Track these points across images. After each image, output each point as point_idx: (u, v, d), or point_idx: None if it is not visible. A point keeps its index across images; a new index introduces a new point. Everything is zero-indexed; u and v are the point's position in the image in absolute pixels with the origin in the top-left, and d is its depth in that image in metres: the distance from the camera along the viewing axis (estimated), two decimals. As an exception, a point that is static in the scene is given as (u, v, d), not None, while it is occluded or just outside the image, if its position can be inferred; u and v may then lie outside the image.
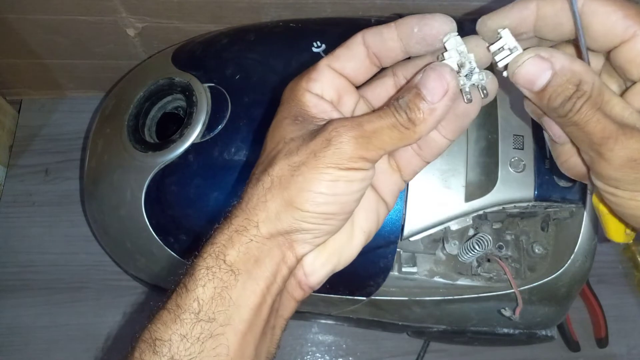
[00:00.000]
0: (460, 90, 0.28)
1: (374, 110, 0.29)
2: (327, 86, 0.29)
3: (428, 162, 0.32)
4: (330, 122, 0.27)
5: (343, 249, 0.31)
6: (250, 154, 0.49)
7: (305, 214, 0.27)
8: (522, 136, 0.49)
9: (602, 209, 0.31)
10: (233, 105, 0.50)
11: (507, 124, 0.49)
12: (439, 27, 0.27)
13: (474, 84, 0.28)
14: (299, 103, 0.29)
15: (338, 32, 0.55)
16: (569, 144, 0.29)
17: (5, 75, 0.79)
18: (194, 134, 0.50)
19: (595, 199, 0.31)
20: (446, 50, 0.28)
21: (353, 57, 0.29)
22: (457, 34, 0.27)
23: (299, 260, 0.29)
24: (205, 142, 0.50)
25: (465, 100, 0.29)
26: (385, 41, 0.28)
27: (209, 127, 0.50)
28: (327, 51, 0.52)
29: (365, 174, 0.27)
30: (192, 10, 0.62)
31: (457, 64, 0.28)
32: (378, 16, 0.58)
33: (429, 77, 0.27)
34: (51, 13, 0.63)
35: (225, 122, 0.50)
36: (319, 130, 0.27)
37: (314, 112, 0.29)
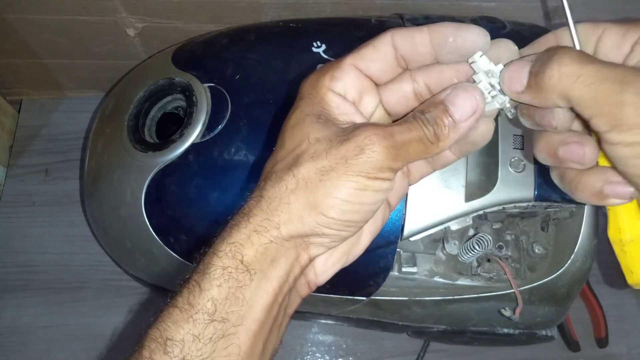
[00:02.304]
0: (502, 109, 0.29)
1: (396, 120, 0.29)
2: (350, 86, 0.29)
3: (435, 170, 0.33)
4: (361, 127, 0.27)
5: (351, 249, 0.31)
6: (250, 154, 0.49)
7: (329, 220, 0.27)
8: (522, 136, 0.49)
9: (627, 248, 0.29)
10: (233, 105, 0.50)
11: (507, 124, 0.49)
12: (474, 40, 0.27)
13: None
14: (322, 102, 0.29)
15: (338, 32, 0.55)
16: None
17: (5, 75, 0.79)
18: (194, 134, 0.50)
19: (612, 234, 0.30)
20: (475, 73, 0.28)
21: (380, 58, 0.29)
22: (482, 53, 0.27)
23: (311, 260, 0.29)
24: (205, 142, 0.50)
25: (510, 116, 0.29)
26: (416, 45, 0.28)
27: (209, 127, 0.50)
28: (327, 51, 0.52)
29: (390, 184, 0.27)
30: (192, 10, 0.62)
31: (490, 85, 0.28)
32: (378, 16, 0.58)
33: (459, 96, 0.27)
34: (51, 13, 0.64)
35: (225, 122, 0.50)
36: (349, 134, 0.27)
37: (336, 112, 0.29)
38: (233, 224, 0.28)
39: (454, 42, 0.27)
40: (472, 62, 0.28)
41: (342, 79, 0.29)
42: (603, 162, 0.28)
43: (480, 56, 0.27)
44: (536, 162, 0.48)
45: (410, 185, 0.33)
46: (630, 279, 0.30)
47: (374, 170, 0.26)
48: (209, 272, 0.27)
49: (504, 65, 0.28)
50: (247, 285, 0.27)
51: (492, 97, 0.28)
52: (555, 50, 0.26)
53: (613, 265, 0.30)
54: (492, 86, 0.28)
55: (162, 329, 0.26)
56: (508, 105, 0.28)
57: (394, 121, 0.32)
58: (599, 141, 0.26)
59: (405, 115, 0.29)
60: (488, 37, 0.27)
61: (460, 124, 0.27)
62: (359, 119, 0.29)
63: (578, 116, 0.27)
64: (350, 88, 0.29)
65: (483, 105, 0.27)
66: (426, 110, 0.27)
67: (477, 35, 0.27)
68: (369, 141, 0.26)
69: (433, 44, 0.28)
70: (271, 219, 0.27)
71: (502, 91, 0.28)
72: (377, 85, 0.30)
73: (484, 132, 0.29)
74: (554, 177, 0.30)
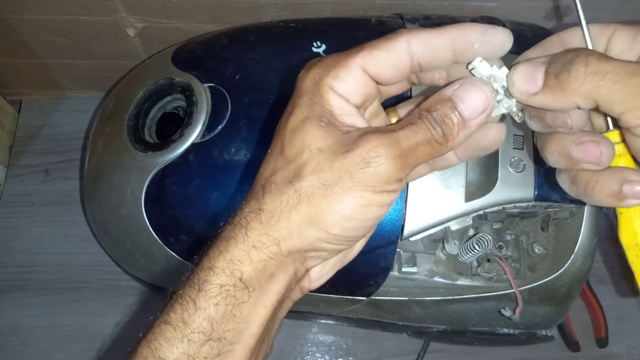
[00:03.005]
0: (509, 114, 0.28)
1: (401, 120, 0.27)
2: (354, 91, 0.27)
3: (434, 171, 0.31)
4: (365, 137, 0.25)
5: (346, 255, 0.31)
6: (250, 154, 0.49)
7: (331, 237, 0.26)
8: (522, 136, 0.49)
9: None
10: (233, 105, 0.50)
11: (507, 124, 0.49)
12: (502, 45, 0.25)
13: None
14: (322, 101, 0.27)
15: (338, 32, 0.55)
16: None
17: (5, 75, 0.79)
18: (194, 134, 0.50)
19: (626, 238, 0.27)
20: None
21: (393, 66, 0.26)
22: (481, 59, 0.26)
23: (307, 271, 0.28)
24: (205, 142, 0.50)
25: (518, 120, 0.28)
26: (436, 52, 0.26)
27: (209, 127, 0.50)
28: (327, 51, 0.52)
29: (395, 195, 0.26)
30: (192, 10, 0.62)
31: (494, 90, 0.27)
32: (378, 16, 0.58)
33: (469, 92, 0.25)
34: (51, 13, 0.64)
35: (225, 122, 0.50)
36: (353, 145, 0.25)
37: (337, 113, 0.27)
38: (230, 236, 0.26)
39: (481, 47, 0.25)
40: (472, 69, 0.27)
41: (347, 81, 0.26)
42: (615, 163, 0.27)
43: (480, 61, 0.26)
44: (536, 162, 0.48)
45: (406, 182, 0.31)
46: None
47: (381, 183, 0.25)
48: (205, 289, 0.25)
49: (511, 67, 0.27)
50: (244, 302, 0.26)
51: (498, 101, 0.27)
52: (577, 52, 0.25)
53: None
54: (497, 91, 0.27)
55: (154, 347, 0.25)
56: (515, 109, 0.27)
57: (387, 113, 0.30)
58: (623, 138, 0.26)
59: (408, 114, 0.27)
60: (512, 38, 0.26)
61: (470, 121, 0.25)
62: (360, 123, 0.27)
63: (600, 114, 0.26)
64: (354, 92, 0.27)
65: (494, 102, 0.26)
66: (433, 108, 0.25)
67: (503, 40, 0.25)
68: (375, 153, 0.25)
69: (456, 49, 0.26)
70: (270, 234, 0.26)
71: (507, 95, 0.27)
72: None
73: (495, 137, 0.28)
74: (563, 180, 0.28)
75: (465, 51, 0.26)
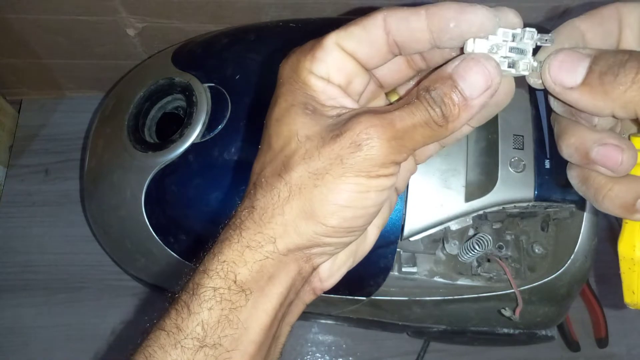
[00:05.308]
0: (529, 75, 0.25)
1: (398, 100, 0.25)
2: (334, 69, 0.25)
3: (444, 147, 0.29)
4: (354, 119, 0.23)
5: (358, 248, 0.29)
6: (250, 154, 0.49)
7: (329, 229, 0.24)
8: (522, 136, 0.49)
9: (636, 268, 0.26)
10: (233, 105, 0.50)
11: (507, 124, 0.49)
12: (481, 24, 0.23)
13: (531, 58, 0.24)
14: (304, 87, 0.25)
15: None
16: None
17: (5, 75, 0.79)
18: (194, 134, 0.50)
19: (623, 250, 0.26)
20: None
21: (369, 43, 0.24)
22: (474, 40, 0.24)
23: (314, 269, 0.27)
24: (205, 142, 0.50)
25: (538, 87, 0.25)
26: (412, 31, 0.24)
27: (209, 127, 0.50)
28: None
29: (395, 178, 0.24)
30: (192, 10, 0.62)
31: (503, 57, 0.24)
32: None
33: (470, 69, 0.23)
34: (51, 13, 0.64)
35: (225, 122, 0.50)
36: (342, 128, 0.23)
37: (322, 97, 0.25)
38: (224, 237, 0.25)
39: (457, 27, 0.23)
40: (472, 52, 0.24)
41: (324, 60, 0.25)
42: (633, 172, 0.25)
43: (474, 41, 0.24)
44: (536, 163, 0.48)
45: (417, 164, 0.29)
46: (629, 299, 0.27)
47: (375, 167, 0.23)
48: (199, 293, 0.24)
49: (548, 57, 0.23)
50: (242, 306, 0.24)
51: (512, 65, 0.24)
52: (630, 54, 0.22)
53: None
54: (507, 57, 0.24)
55: (148, 354, 0.24)
56: (535, 64, 0.24)
57: (387, 94, 0.29)
58: None
59: (406, 94, 0.25)
60: (496, 19, 0.23)
61: (472, 101, 0.23)
62: (349, 103, 0.25)
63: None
64: (334, 71, 0.25)
65: (499, 78, 0.23)
66: (431, 87, 0.23)
67: (483, 18, 0.23)
68: (366, 135, 0.23)
69: (432, 29, 0.23)
70: (265, 232, 0.24)
71: (519, 53, 0.24)
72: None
73: (506, 90, 0.25)
74: (574, 177, 0.26)
75: (441, 30, 0.23)
